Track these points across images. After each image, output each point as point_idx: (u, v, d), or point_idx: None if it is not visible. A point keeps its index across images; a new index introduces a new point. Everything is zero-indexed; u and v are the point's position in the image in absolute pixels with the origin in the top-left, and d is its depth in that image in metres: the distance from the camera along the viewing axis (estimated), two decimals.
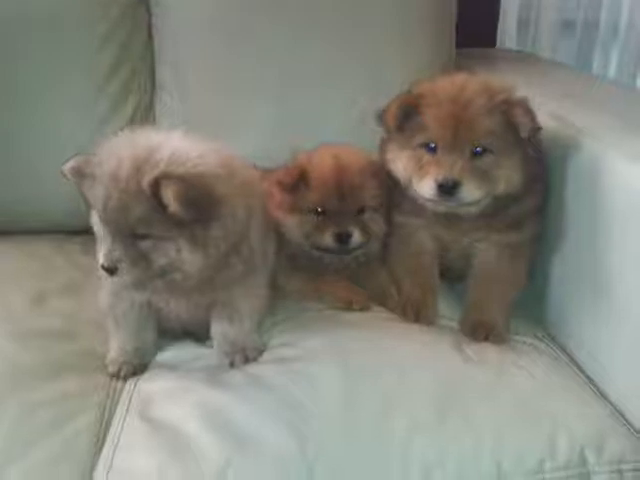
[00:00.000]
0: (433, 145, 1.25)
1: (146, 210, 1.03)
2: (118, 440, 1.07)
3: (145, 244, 1.07)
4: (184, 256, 1.07)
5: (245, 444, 1.03)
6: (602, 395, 1.17)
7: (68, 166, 1.09)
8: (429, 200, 1.26)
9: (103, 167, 1.05)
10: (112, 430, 1.10)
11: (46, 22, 1.61)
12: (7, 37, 1.60)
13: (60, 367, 1.22)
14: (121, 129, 1.61)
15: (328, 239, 1.34)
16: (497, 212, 1.30)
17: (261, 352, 1.26)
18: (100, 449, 1.07)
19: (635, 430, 1.10)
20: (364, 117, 1.62)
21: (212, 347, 1.28)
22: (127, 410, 1.14)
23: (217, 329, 1.27)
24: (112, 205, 1.04)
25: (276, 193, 1.37)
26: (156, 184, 1.01)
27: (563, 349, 1.31)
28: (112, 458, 1.03)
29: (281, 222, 1.37)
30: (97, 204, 1.07)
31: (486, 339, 1.31)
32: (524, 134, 1.22)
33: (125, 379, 1.23)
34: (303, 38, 1.69)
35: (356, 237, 1.34)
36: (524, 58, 2.10)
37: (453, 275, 1.48)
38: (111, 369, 1.25)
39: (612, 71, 2.34)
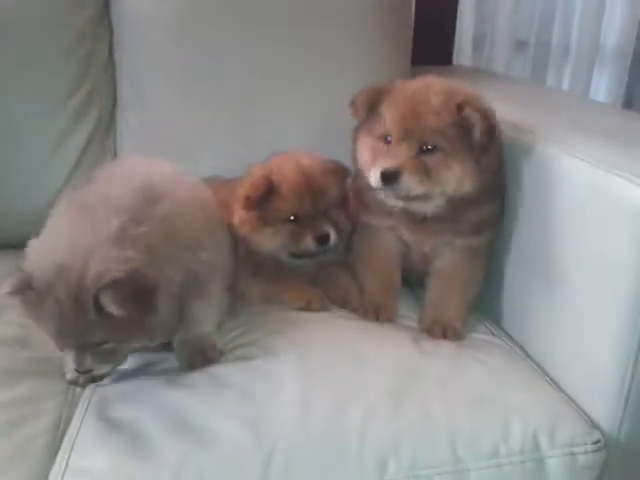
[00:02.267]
0: (389, 138, 1.29)
1: (99, 331, 1.05)
2: (75, 441, 1.06)
3: (108, 345, 1.09)
4: (147, 342, 1.13)
5: (202, 439, 1.03)
6: (554, 383, 1.20)
7: (4, 292, 1.05)
8: (377, 189, 1.30)
9: (43, 307, 1.04)
10: (69, 432, 1.09)
11: (8, 35, 1.62)
12: None
13: (16, 373, 1.20)
14: (81, 145, 1.71)
15: (309, 243, 1.36)
16: (457, 216, 1.33)
17: (221, 353, 1.26)
18: (57, 451, 1.06)
19: (586, 415, 1.12)
20: (323, 130, 1.69)
21: (172, 352, 1.28)
22: (85, 413, 1.13)
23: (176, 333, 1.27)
24: (68, 336, 1.06)
25: (239, 211, 1.38)
26: (97, 300, 1.01)
27: (518, 344, 1.34)
28: (68, 459, 1.02)
29: (250, 238, 1.38)
30: (48, 333, 1.08)
31: (443, 336, 1.34)
32: (476, 137, 1.26)
33: (84, 386, 1.22)
34: (263, 54, 1.71)
35: (333, 236, 1.38)
36: (480, 73, 2.16)
37: (413, 279, 1.51)
38: (69, 376, 1.23)
39: (565, 87, 2.44)
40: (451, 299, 1.40)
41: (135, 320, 1.04)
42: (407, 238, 1.42)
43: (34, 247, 1.08)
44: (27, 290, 1.04)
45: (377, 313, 1.38)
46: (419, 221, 1.36)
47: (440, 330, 1.34)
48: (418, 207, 1.31)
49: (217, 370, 1.19)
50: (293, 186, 1.36)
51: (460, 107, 1.26)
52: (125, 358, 1.16)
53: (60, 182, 1.68)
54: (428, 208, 1.31)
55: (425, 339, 1.30)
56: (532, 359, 1.29)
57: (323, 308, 1.38)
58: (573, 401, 1.15)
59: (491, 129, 1.27)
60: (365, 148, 1.34)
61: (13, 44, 1.63)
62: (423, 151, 1.26)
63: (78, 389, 1.21)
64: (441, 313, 1.38)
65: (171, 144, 1.71)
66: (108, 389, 1.19)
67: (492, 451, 1.04)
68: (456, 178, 1.27)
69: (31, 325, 1.31)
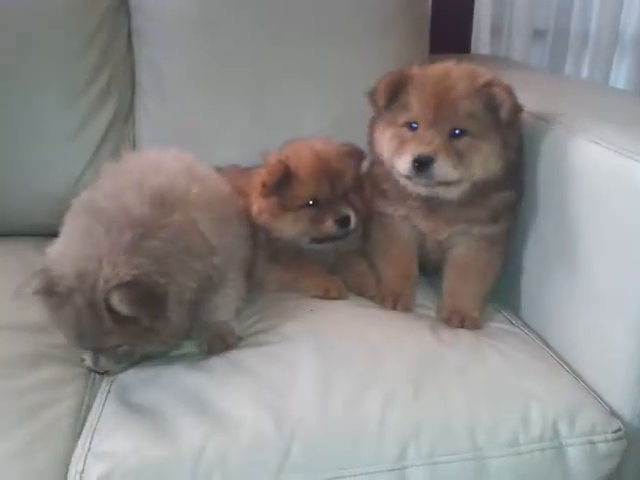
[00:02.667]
0: (415, 125, 1.29)
1: (116, 336, 1.10)
2: (97, 424, 1.08)
3: (124, 348, 1.15)
4: (161, 344, 1.17)
5: (223, 424, 1.04)
6: (573, 372, 1.20)
7: (36, 290, 1.11)
8: (406, 177, 1.28)
9: (62, 313, 1.11)
10: (91, 415, 1.11)
11: (28, 25, 1.63)
12: None
13: (39, 358, 1.22)
14: (101, 133, 1.72)
15: (331, 227, 1.36)
16: (476, 202, 1.33)
17: (239, 339, 1.27)
18: (79, 433, 1.07)
19: (605, 404, 1.12)
20: (340, 118, 1.69)
21: (191, 337, 1.29)
22: (106, 396, 1.15)
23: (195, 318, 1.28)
24: (86, 341, 1.12)
25: (257, 199, 1.39)
26: (108, 301, 1.06)
27: (536, 333, 1.34)
28: (90, 441, 1.04)
29: (271, 226, 1.38)
30: (66, 338, 1.15)
31: (462, 326, 1.33)
32: (504, 115, 1.25)
33: (102, 374, 1.23)
34: (280, 43, 1.72)
35: (353, 219, 1.38)
36: (498, 62, 2.15)
37: (430, 267, 1.51)
38: (88, 362, 1.25)
39: (584, 75, 2.41)
40: (469, 288, 1.40)
41: (146, 325, 1.08)
42: (422, 227, 1.41)
43: (52, 253, 1.13)
44: (49, 295, 1.09)
45: (395, 301, 1.38)
46: (435, 209, 1.36)
47: (458, 319, 1.34)
48: (443, 193, 1.30)
49: (236, 355, 1.20)
50: (310, 170, 1.36)
51: (486, 85, 1.26)
52: (140, 357, 1.20)
53: (80, 169, 1.70)
54: (453, 194, 1.30)
55: (443, 328, 1.30)
56: (551, 348, 1.28)
57: (340, 296, 1.38)
58: (593, 390, 1.15)
59: (517, 105, 1.27)
60: (388, 137, 1.33)
61: (33, 34, 1.64)
62: (452, 136, 1.26)
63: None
64: (459, 302, 1.38)
65: (189, 132, 1.72)
66: (128, 374, 1.20)
67: (511, 439, 1.04)
68: (485, 160, 1.26)
69: None
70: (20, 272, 1.46)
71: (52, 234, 1.61)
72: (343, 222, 1.36)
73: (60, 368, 1.22)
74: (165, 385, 1.14)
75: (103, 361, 1.16)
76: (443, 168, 1.23)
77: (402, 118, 1.31)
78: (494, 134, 1.26)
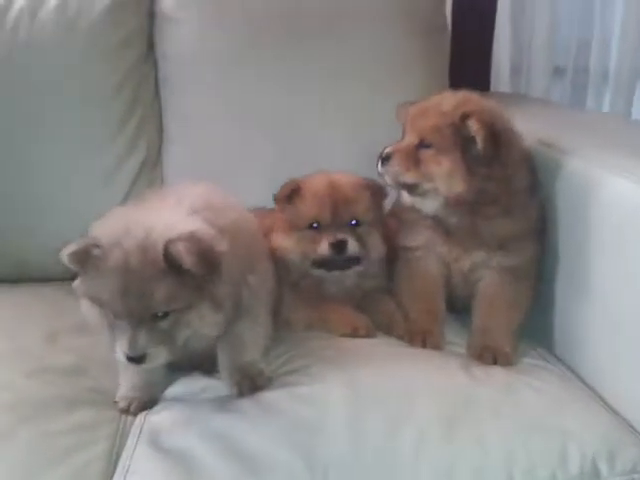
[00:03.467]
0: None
1: (165, 288, 1.04)
2: (129, 467, 1.07)
3: (166, 322, 1.08)
4: (207, 320, 1.10)
5: (255, 466, 1.03)
6: (611, 409, 1.17)
7: (68, 253, 1.06)
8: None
9: (108, 261, 1.04)
10: (123, 459, 1.10)
11: (57, 75, 1.69)
12: (20, 89, 1.68)
13: (72, 401, 1.23)
14: (130, 180, 1.76)
15: (323, 248, 1.38)
16: (476, 227, 1.35)
17: (269, 379, 1.26)
18: (111, 477, 1.07)
19: None
20: (361, 154, 1.70)
21: (220, 379, 1.29)
22: (137, 440, 1.14)
23: (224, 360, 1.28)
24: (131, 296, 1.04)
25: (278, 233, 1.44)
26: (167, 248, 1.03)
27: (571, 369, 1.31)
28: None
29: (280, 245, 1.42)
30: (108, 298, 1.06)
31: (494, 362, 1.32)
32: (479, 145, 1.28)
33: (135, 414, 1.24)
34: (305, 81, 1.77)
35: (352, 245, 1.38)
36: (518, 99, 2.17)
37: (459, 305, 1.50)
38: (121, 405, 1.26)
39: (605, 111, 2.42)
40: (498, 323, 1.38)
41: (199, 282, 1.04)
42: (443, 254, 1.42)
43: (97, 225, 1.11)
44: (93, 247, 1.04)
45: (423, 339, 1.37)
46: (448, 233, 1.38)
47: (490, 356, 1.33)
48: (419, 204, 1.38)
49: (266, 397, 1.19)
50: (315, 191, 1.41)
51: (464, 116, 1.30)
52: (179, 349, 1.12)
53: None
54: (429, 206, 1.36)
55: (475, 366, 1.28)
56: (586, 384, 1.26)
57: (369, 334, 1.38)
58: (631, 425, 1.12)
59: (494, 140, 1.28)
60: None
61: (62, 84, 1.71)
62: (422, 146, 1.34)
63: (130, 417, 1.23)
64: (490, 338, 1.36)
65: (216, 175, 1.71)
66: (159, 417, 1.20)
67: (550, 477, 1.01)
68: (445, 175, 1.31)
69: (86, 353, 1.38)
70: (51, 316, 1.53)
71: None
72: (338, 246, 1.37)
73: (92, 411, 1.22)
74: (196, 428, 1.13)
75: (142, 339, 1.06)
76: (395, 166, 1.36)
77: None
78: (459, 156, 1.30)
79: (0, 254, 1.71)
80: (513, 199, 1.34)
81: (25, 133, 1.69)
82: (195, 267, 1.02)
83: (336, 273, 1.43)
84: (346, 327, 1.39)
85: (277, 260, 1.40)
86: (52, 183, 1.72)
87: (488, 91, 2.31)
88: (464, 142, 1.29)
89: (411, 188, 1.37)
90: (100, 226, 1.10)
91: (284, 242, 1.42)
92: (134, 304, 1.04)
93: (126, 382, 1.28)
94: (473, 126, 1.28)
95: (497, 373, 1.25)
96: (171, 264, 1.03)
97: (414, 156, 1.34)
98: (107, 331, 1.12)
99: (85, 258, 1.06)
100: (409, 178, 1.35)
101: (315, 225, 1.41)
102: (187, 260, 1.01)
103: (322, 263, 1.41)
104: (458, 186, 1.30)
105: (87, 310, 1.13)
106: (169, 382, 1.31)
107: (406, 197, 1.42)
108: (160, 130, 1.81)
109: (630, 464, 1.03)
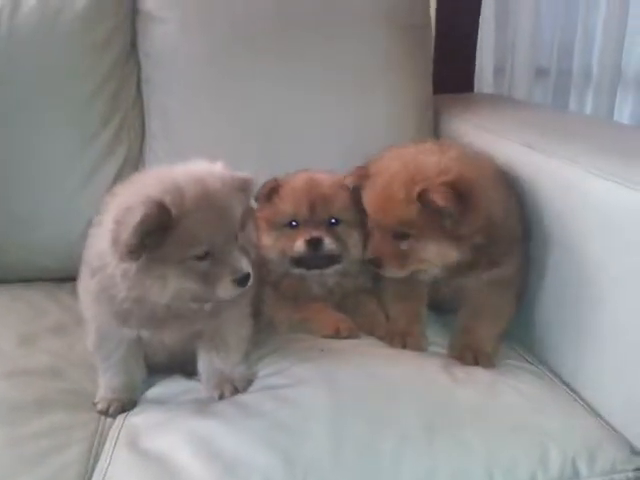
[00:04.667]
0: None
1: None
2: (106, 471, 1.06)
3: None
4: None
5: (234, 469, 1.01)
6: (592, 409, 1.17)
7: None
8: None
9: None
10: (100, 462, 1.09)
11: (38, 72, 1.66)
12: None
13: (48, 403, 1.21)
14: (111, 179, 1.73)
15: (299, 245, 1.38)
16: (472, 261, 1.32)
17: (250, 382, 1.25)
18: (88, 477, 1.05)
19: (625, 442, 1.09)
20: (346, 155, 1.70)
21: (200, 381, 1.28)
22: (116, 443, 1.13)
23: (205, 362, 1.27)
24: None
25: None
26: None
27: (552, 370, 1.31)
28: None
29: (261, 243, 1.41)
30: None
31: (475, 363, 1.31)
32: (447, 215, 1.26)
33: (114, 416, 1.22)
34: (289, 82, 1.75)
35: (328, 243, 1.38)
36: (501, 101, 2.17)
37: (444, 305, 1.49)
38: (100, 406, 1.24)
39: (588, 112, 2.43)
40: (482, 325, 1.38)
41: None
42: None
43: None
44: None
45: (404, 341, 1.36)
46: None
47: (472, 356, 1.32)
48: (421, 276, 1.35)
49: (246, 399, 1.18)
50: (294, 189, 1.41)
51: (423, 196, 1.25)
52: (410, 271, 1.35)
53: (90, 215, 1.69)
54: (429, 276, 1.35)
55: (456, 366, 1.28)
56: (568, 386, 1.26)
57: (351, 335, 1.37)
58: (612, 428, 1.12)
59: (463, 200, 1.23)
60: None
61: (43, 84, 1.67)
62: (398, 237, 1.31)
63: (109, 419, 1.21)
64: (472, 339, 1.36)
65: None
66: (137, 419, 1.19)
67: (530, 478, 1.01)
68: (435, 256, 1.30)
69: (64, 355, 1.36)
70: (29, 318, 1.51)
71: (62, 279, 1.65)
72: (314, 243, 1.37)
73: (69, 414, 1.20)
74: (175, 430, 1.12)
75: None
76: (390, 270, 1.35)
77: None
78: (440, 233, 1.28)
79: None
80: (503, 233, 1.32)
81: (4, 132, 1.66)
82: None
83: (316, 272, 1.43)
84: (328, 328, 1.38)
85: (258, 259, 1.39)
86: (33, 182, 1.69)
87: (472, 92, 2.32)
88: (435, 217, 1.25)
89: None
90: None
91: (263, 240, 1.41)
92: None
93: (105, 383, 1.27)
94: (437, 201, 1.22)
95: (478, 374, 1.25)
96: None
97: (399, 251, 1.32)
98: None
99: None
100: (406, 272, 1.34)
101: (294, 223, 1.41)
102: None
103: (300, 261, 1.41)
104: (451, 257, 1.29)
105: None
106: (149, 384, 1.29)
107: None
108: (142, 128, 1.79)
109: (609, 464, 1.03)
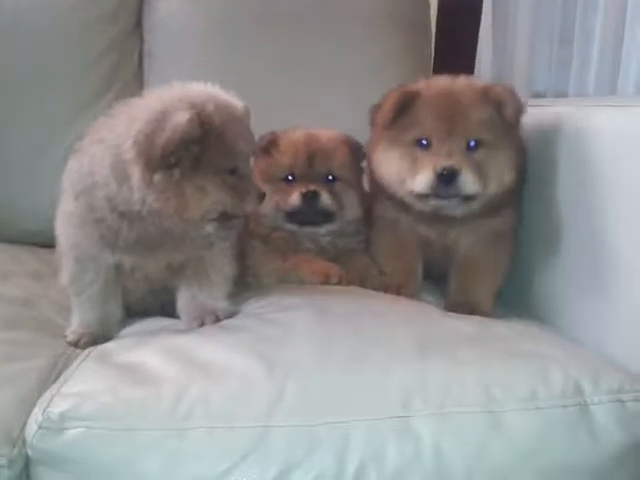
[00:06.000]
0: (426, 141, 1.24)
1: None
2: (72, 375, 0.97)
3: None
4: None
5: (208, 370, 0.94)
6: None
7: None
8: (424, 196, 1.23)
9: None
10: (66, 372, 1.00)
11: (42, 38, 1.69)
12: (1, 53, 1.67)
13: (17, 324, 1.15)
14: None
15: (294, 198, 1.34)
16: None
17: (233, 314, 1.18)
18: (51, 383, 0.97)
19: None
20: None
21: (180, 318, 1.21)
22: (85, 358, 1.05)
23: (186, 297, 1.21)
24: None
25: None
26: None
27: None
28: (61, 386, 0.93)
29: None
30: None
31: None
32: (509, 113, 1.22)
33: (84, 348, 1.13)
34: (288, 66, 1.77)
35: (324, 198, 1.34)
36: None
37: (436, 271, 1.43)
38: (70, 338, 1.16)
39: None
40: (479, 284, 1.32)
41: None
42: (427, 233, 1.36)
43: None
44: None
45: (398, 291, 1.30)
46: (441, 219, 1.31)
47: (467, 311, 1.25)
48: (455, 210, 1.25)
49: (230, 322, 1.12)
50: (292, 143, 1.38)
51: (488, 88, 1.24)
52: None
53: None
54: (462, 211, 1.26)
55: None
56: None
57: (342, 282, 1.31)
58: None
59: (520, 103, 1.24)
60: (397, 156, 1.27)
61: (47, 49, 1.70)
62: (469, 149, 1.23)
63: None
64: (469, 296, 1.30)
65: None
66: (111, 344, 1.11)
67: (530, 394, 0.92)
68: (500, 170, 1.23)
69: (37, 293, 1.30)
70: (7, 263, 1.46)
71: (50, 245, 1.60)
72: (310, 197, 1.33)
73: (37, 335, 1.14)
74: (149, 346, 1.04)
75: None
76: (468, 182, 1.19)
77: (411, 135, 1.25)
78: (507, 142, 1.24)
79: None
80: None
81: (3, 93, 1.67)
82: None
83: (308, 229, 1.38)
84: (318, 275, 1.32)
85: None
86: (25, 151, 1.68)
87: None
88: (502, 123, 1.22)
89: (471, 197, 1.23)
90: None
91: None
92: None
93: (78, 318, 1.19)
94: (502, 94, 1.22)
95: (473, 317, 1.19)
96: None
97: (474, 162, 1.22)
98: None
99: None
100: (476, 189, 1.21)
101: (290, 178, 1.37)
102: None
103: (294, 216, 1.36)
104: (510, 177, 1.24)
105: None
106: (125, 325, 1.22)
107: (426, 205, 1.27)
108: None
109: (616, 385, 0.94)
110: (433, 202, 1.24)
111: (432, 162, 1.20)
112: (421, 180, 1.21)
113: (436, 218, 1.31)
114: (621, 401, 0.93)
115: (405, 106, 1.27)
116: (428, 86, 1.31)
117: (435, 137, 1.23)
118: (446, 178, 1.19)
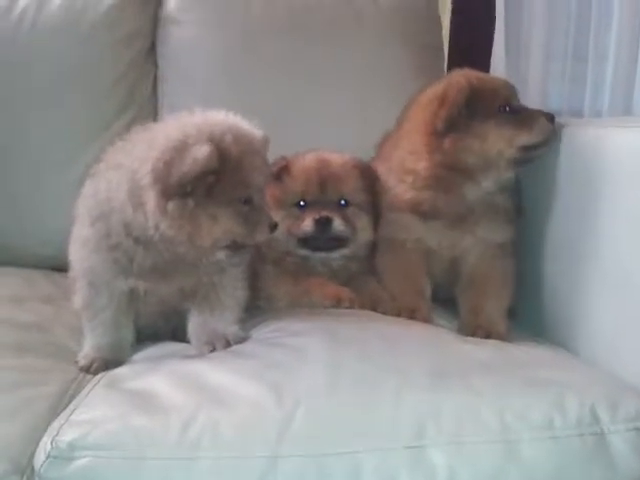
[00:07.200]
0: None
1: None
2: (82, 402, 0.97)
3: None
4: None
5: (218, 397, 0.93)
6: None
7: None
8: None
9: None
10: (77, 399, 1.00)
11: (59, 66, 1.71)
12: (19, 76, 1.70)
13: (29, 349, 1.16)
14: None
15: (307, 225, 1.32)
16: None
17: (244, 340, 1.17)
18: (62, 409, 0.97)
19: None
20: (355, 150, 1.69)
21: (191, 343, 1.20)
22: (95, 384, 1.04)
23: (197, 322, 1.21)
24: None
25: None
26: None
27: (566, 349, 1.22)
28: (71, 413, 0.93)
29: None
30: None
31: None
32: None
33: (96, 373, 1.13)
34: (301, 85, 1.78)
35: (337, 224, 1.32)
36: None
37: (441, 294, 1.43)
38: (82, 363, 1.16)
39: None
40: (490, 303, 1.32)
41: None
42: (439, 243, 1.36)
43: None
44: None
45: (411, 315, 1.29)
46: (456, 218, 1.32)
47: (483, 334, 1.24)
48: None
49: (239, 347, 1.11)
50: (304, 168, 1.37)
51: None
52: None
53: None
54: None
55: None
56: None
57: (352, 306, 1.30)
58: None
59: None
60: None
61: (63, 75, 1.72)
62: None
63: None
64: (483, 319, 1.29)
65: None
66: (122, 369, 1.11)
67: (546, 422, 0.90)
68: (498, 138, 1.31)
69: (50, 317, 1.30)
70: (20, 287, 1.47)
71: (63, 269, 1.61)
72: (323, 223, 1.32)
73: (48, 360, 1.14)
74: (160, 372, 1.04)
75: None
76: None
77: None
78: None
79: None
80: None
81: (20, 116, 1.69)
82: None
83: (321, 254, 1.37)
84: (330, 298, 1.31)
85: None
86: (40, 175, 1.70)
87: None
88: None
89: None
90: None
91: None
92: None
93: (91, 342, 1.19)
94: None
95: (489, 341, 1.17)
96: None
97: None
98: None
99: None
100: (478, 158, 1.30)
101: (302, 204, 1.36)
102: None
103: (307, 242, 1.35)
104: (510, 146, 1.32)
105: None
106: (137, 350, 1.21)
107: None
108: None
109: (633, 412, 0.92)
110: None
111: None
112: None
113: (451, 225, 1.32)
114: (638, 429, 0.91)
115: None
116: None
117: None
118: None
